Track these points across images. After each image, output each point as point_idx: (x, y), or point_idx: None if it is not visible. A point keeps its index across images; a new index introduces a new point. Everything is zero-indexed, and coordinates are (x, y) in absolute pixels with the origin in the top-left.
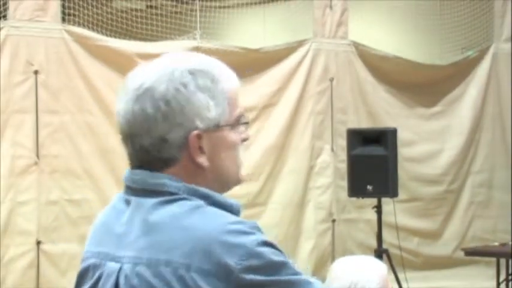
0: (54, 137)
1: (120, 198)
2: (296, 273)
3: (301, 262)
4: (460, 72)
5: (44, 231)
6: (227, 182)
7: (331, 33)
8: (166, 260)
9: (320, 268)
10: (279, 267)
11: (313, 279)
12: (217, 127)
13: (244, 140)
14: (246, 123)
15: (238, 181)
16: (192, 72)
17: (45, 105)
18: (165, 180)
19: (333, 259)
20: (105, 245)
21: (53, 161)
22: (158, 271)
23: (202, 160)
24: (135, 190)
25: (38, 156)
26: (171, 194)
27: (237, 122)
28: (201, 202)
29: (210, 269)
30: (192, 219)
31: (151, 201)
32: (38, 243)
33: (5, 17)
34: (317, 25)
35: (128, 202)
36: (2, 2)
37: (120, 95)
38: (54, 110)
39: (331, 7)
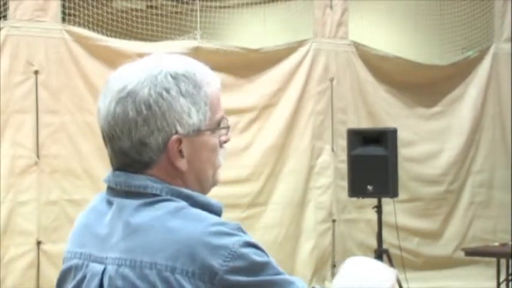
0: (54, 137)
1: (102, 199)
2: (279, 273)
3: (301, 262)
4: (460, 72)
5: (44, 231)
6: (206, 184)
7: (331, 33)
8: (150, 262)
9: (320, 268)
10: (262, 267)
11: (295, 279)
12: (197, 132)
13: (225, 142)
14: (227, 127)
15: (214, 182)
16: (174, 77)
17: (45, 105)
18: (147, 181)
19: (333, 259)
20: (87, 246)
21: (53, 161)
22: (143, 273)
23: (181, 164)
24: (117, 191)
25: (38, 156)
26: (154, 195)
27: (218, 126)
28: (183, 203)
29: (194, 270)
30: (176, 221)
31: (134, 202)
32: (38, 243)
33: (5, 17)
34: (317, 25)
35: (110, 203)
36: (2, 2)
37: (102, 94)
38: (54, 110)
39: (331, 7)
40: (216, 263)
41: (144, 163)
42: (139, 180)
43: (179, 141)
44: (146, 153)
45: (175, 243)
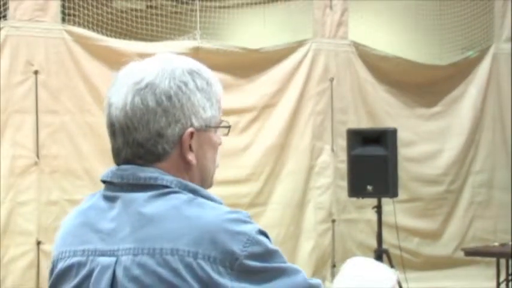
0: (54, 137)
1: (99, 197)
2: (286, 261)
3: (301, 262)
4: (460, 72)
5: (44, 231)
6: (207, 182)
7: (331, 33)
8: (171, 248)
9: (320, 268)
10: (274, 254)
11: (299, 267)
12: (207, 128)
13: (219, 144)
14: (228, 126)
15: (211, 183)
16: (190, 73)
17: (45, 105)
18: (157, 174)
19: (333, 259)
20: (90, 242)
21: (53, 161)
22: (164, 259)
23: (192, 157)
24: (120, 186)
25: (38, 156)
26: (164, 187)
27: (220, 126)
28: (191, 195)
29: (216, 255)
30: (192, 210)
31: (144, 195)
32: (38, 243)
33: (5, 17)
34: (317, 25)
35: (112, 199)
36: (2, 2)
37: (115, 88)
38: (54, 110)
39: (331, 7)
40: (237, 248)
41: (157, 155)
42: (149, 172)
43: (192, 135)
44: (161, 144)
45: (196, 230)
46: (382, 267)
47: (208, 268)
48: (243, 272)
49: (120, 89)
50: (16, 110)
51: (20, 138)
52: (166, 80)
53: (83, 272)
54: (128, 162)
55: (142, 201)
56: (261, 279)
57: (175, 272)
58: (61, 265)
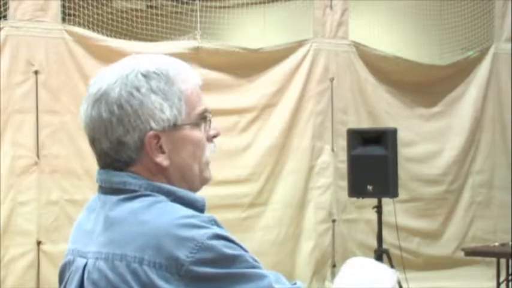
0: (54, 137)
1: (95, 198)
2: (251, 267)
3: (301, 262)
4: (460, 72)
5: (44, 231)
6: (192, 180)
7: (331, 33)
8: (121, 254)
9: (320, 268)
10: (232, 259)
11: (268, 272)
12: (174, 127)
13: (214, 136)
14: (208, 120)
15: (203, 179)
16: (145, 75)
17: (45, 105)
18: (126, 178)
19: (333, 259)
20: (77, 242)
21: (53, 161)
22: (114, 265)
23: (161, 159)
24: (103, 189)
25: (38, 156)
26: (133, 191)
27: (199, 120)
28: (162, 197)
29: (161, 262)
30: (148, 214)
31: (114, 198)
32: (38, 243)
33: (5, 17)
34: (317, 25)
35: (97, 201)
36: (2, 2)
37: (83, 101)
38: (54, 110)
39: (331, 7)
40: (182, 254)
41: (124, 162)
42: (119, 177)
43: (157, 137)
44: (124, 152)
45: (144, 235)
46: (382, 267)
47: (153, 275)
48: (191, 279)
49: (85, 101)
50: (16, 110)
51: (20, 138)
52: (117, 87)
53: (70, 270)
54: (104, 167)
55: (111, 205)
56: (214, 285)
57: (122, 277)
58: (62, 262)
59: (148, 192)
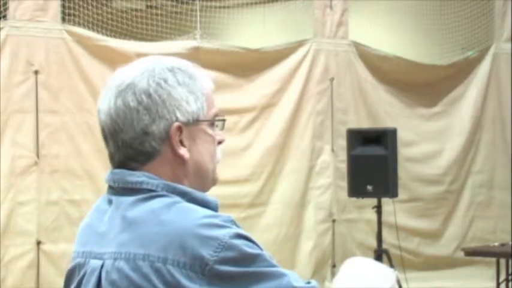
0: (54, 137)
1: (104, 198)
2: (271, 265)
3: (301, 262)
4: (460, 72)
5: (44, 231)
6: (206, 177)
7: (331, 33)
8: (143, 254)
9: (320, 268)
10: (253, 259)
11: (288, 271)
12: (196, 121)
13: (220, 142)
14: (223, 120)
15: (214, 180)
16: (171, 70)
17: (45, 105)
18: (143, 178)
19: (333, 259)
20: (89, 244)
21: (53, 161)
22: (136, 265)
23: (184, 152)
24: (115, 189)
25: (38, 156)
26: (150, 191)
27: (214, 120)
28: (178, 198)
29: (185, 261)
30: (169, 214)
31: (130, 198)
32: (38, 243)
33: (5, 17)
34: (317, 25)
35: (110, 202)
36: (2, 2)
37: (102, 95)
38: (54, 110)
39: (331, 7)
40: (207, 253)
41: (147, 153)
42: (136, 177)
43: (180, 129)
44: (149, 142)
45: (167, 235)
46: (381, 267)
47: (177, 274)
48: (215, 277)
49: (105, 94)
50: (16, 110)
51: (20, 138)
52: (145, 78)
53: (81, 273)
54: (121, 165)
55: (127, 205)
56: (237, 284)
57: (145, 277)
58: (70, 265)
59: (164, 193)
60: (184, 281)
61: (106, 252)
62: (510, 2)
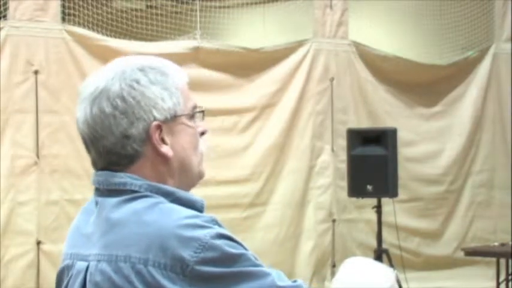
0: (54, 137)
1: (91, 200)
2: (254, 265)
3: (301, 262)
4: (460, 72)
5: (44, 231)
6: (191, 172)
7: (331, 33)
8: (124, 255)
9: (320, 268)
10: (235, 258)
11: (271, 271)
12: (174, 117)
13: (202, 133)
14: (202, 111)
15: (200, 173)
16: (141, 69)
17: (45, 105)
18: (126, 179)
19: (333, 259)
20: (76, 246)
21: (53, 161)
22: (118, 266)
23: (166, 150)
24: (101, 191)
25: (38, 156)
26: (133, 192)
27: (193, 112)
28: (161, 199)
29: (166, 262)
30: (151, 215)
31: (114, 200)
32: (38, 243)
33: (5, 17)
34: (317, 25)
35: (96, 203)
36: (2, 2)
37: (78, 104)
38: (54, 110)
39: (331, 7)
40: (187, 254)
41: (130, 157)
42: (119, 178)
43: (159, 128)
44: (130, 145)
45: (148, 236)
46: (380, 267)
47: (158, 275)
48: (196, 278)
49: (81, 103)
50: (16, 110)
51: (20, 138)
52: (117, 82)
53: (69, 274)
54: (103, 168)
55: (111, 207)
56: (219, 284)
57: (127, 279)
58: (59, 267)
59: (148, 193)
60: (165, 282)
61: (91, 254)
62: (510, 2)
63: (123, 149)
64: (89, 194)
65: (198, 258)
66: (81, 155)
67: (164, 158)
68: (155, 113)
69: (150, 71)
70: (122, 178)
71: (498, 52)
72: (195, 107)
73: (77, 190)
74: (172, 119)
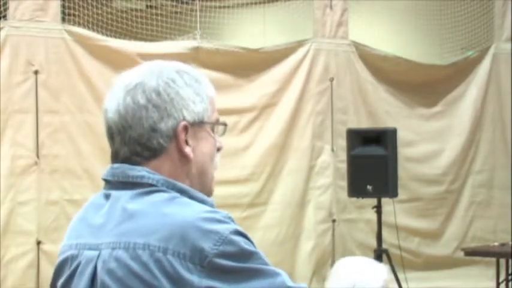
0: (54, 137)
1: (99, 195)
2: (266, 264)
3: (301, 262)
4: (460, 72)
5: (44, 231)
6: (206, 181)
7: (331, 33)
8: (143, 243)
9: (320, 268)
10: (250, 255)
11: (280, 271)
12: (201, 122)
13: (219, 149)
14: (225, 124)
15: (210, 189)
16: (178, 72)
17: (45, 105)
18: (144, 172)
19: (333, 259)
20: (83, 236)
21: (53, 161)
22: (136, 254)
23: (189, 151)
24: (114, 184)
25: (38, 156)
26: (150, 185)
27: (217, 123)
28: (177, 195)
29: (185, 252)
30: (170, 207)
31: (130, 192)
32: (38, 243)
33: (5, 17)
34: (317, 25)
35: (107, 196)
36: (2, 2)
37: (109, 95)
38: (54, 110)
39: (331, 7)
40: (207, 246)
41: (154, 150)
42: (136, 171)
43: (186, 128)
44: (156, 139)
45: (169, 226)
46: (372, 268)
47: (177, 264)
48: (213, 270)
49: (112, 94)
50: (16, 110)
51: (20, 138)
52: (154, 78)
53: (74, 264)
54: (125, 160)
55: (127, 198)
56: (233, 279)
57: (145, 266)
58: (60, 258)
59: (164, 188)
60: (183, 271)
61: (103, 242)
62: (510, 2)
63: (148, 141)
64: (89, 194)
65: (218, 251)
66: (81, 155)
67: (185, 158)
68: (185, 114)
69: (186, 75)
70: (140, 172)
71: (498, 52)
72: (218, 120)
73: (77, 190)
74: (199, 124)
